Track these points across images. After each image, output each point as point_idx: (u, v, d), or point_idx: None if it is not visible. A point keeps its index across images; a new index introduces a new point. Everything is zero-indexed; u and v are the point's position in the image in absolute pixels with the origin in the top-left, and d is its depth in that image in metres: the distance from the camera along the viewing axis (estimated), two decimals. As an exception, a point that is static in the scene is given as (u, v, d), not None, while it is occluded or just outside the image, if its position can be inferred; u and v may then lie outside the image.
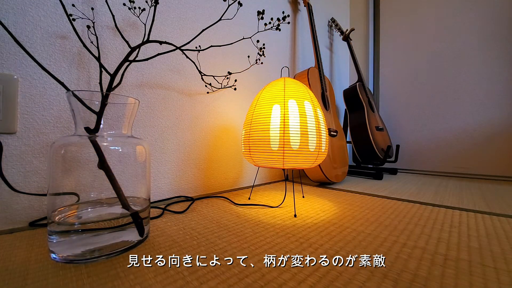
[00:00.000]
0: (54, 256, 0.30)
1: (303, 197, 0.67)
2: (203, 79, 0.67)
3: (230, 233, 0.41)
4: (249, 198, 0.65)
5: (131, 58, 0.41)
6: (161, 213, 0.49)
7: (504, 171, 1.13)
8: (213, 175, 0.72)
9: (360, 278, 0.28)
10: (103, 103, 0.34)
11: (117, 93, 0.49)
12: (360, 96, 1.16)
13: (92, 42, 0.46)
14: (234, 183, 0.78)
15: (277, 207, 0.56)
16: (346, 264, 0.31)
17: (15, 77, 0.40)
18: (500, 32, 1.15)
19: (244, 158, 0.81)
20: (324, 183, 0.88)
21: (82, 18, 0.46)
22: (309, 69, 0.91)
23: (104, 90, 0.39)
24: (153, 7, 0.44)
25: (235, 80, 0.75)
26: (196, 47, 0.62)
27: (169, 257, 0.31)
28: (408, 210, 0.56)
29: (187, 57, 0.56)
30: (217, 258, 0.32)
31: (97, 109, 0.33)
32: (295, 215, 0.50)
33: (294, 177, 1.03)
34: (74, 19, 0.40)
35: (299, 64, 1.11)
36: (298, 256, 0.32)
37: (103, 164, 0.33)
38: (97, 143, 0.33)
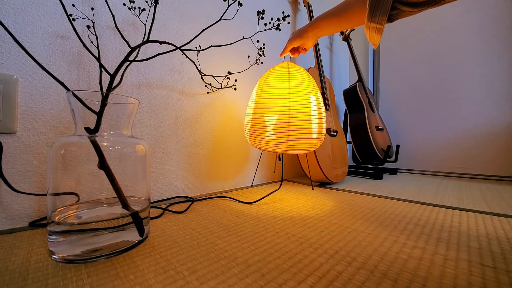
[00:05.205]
0: (54, 256, 0.30)
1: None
2: (203, 79, 0.67)
3: (230, 233, 0.41)
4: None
5: (131, 58, 0.41)
6: (161, 213, 0.49)
7: (504, 171, 1.13)
8: (213, 175, 0.72)
9: (360, 278, 0.28)
10: (103, 103, 0.34)
11: (117, 93, 0.49)
12: (360, 96, 1.16)
13: (92, 42, 0.46)
14: (234, 183, 0.78)
15: (276, 190, 0.56)
16: (346, 264, 0.31)
17: (15, 77, 0.40)
18: (500, 32, 1.15)
19: (243, 157, 0.81)
20: (324, 183, 0.88)
21: (82, 18, 0.46)
22: (309, 69, 0.91)
23: (104, 90, 0.39)
24: (153, 7, 0.44)
25: (235, 80, 0.75)
26: (196, 47, 0.62)
27: (169, 257, 0.31)
28: (408, 210, 0.56)
29: (187, 57, 0.56)
30: (217, 258, 0.32)
31: (97, 109, 0.33)
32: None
33: (294, 177, 1.03)
34: (74, 19, 0.40)
35: (299, 64, 1.11)
36: (298, 256, 0.32)
37: (103, 164, 0.33)
38: (97, 143, 0.33)
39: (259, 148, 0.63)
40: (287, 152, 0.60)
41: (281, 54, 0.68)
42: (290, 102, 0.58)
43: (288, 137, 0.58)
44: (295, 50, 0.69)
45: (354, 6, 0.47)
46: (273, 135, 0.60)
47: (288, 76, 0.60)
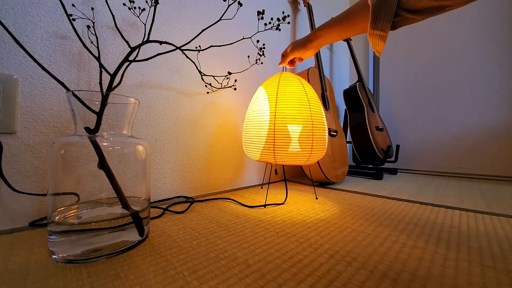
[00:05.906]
0: (54, 256, 0.30)
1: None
2: (203, 79, 0.67)
3: (230, 233, 0.41)
4: (265, 205, 0.65)
5: (131, 58, 0.41)
6: (161, 213, 0.49)
7: (504, 171, 1.13)
8: (213, 175, 0.72)
9: (360, 278, 0.28)
10: (103, 103, 0.34)
11: (117, 93, 0.49)
12: (360, 96, 1.16)
13: (92, 42, 0.46)
14: (234, 183, 0.78)
15: (281, 204, 0.56)
16: (346, 264, 0.31)
17: (15, 77, 0.40)
18: (499, 32, 1.15)
19: (243, 157, 0.81)
20: (324, 183, 0.87)
21: (82, 18, 0.46)
22: (309, 69, 0.91)
23: (104, 90, 0.39)
24: (153, 7, 0.44)
25: (235, 80, 0.75)
26: (196, 47, 0.62)
27: (169, 257, 0.31)
28: (408, 210, 0.56)
29: (187, 57, 0.56)
30: (217, 258, 0.32)
31: (97, 109, 0.34)
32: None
33: (294, 177, 1.03)
34: (74, 19, 0.40)
35: (299, 64, 1.11)
36: (298, 256, 0.32)
37: (103, 164, 0.33)
38: (97, 143, 0.33)
39: (274, 163, 0.58)
40: (306, 163, 0.58)
41: (280, 64, 0.67)
42: (311, 111, 0.56)
43: (312, 148, 0.56)
44: (291, 61, 0.67)
45: (357, 14, 0.46)
46: (298, 147, 0.55)
47: (302, 85, 0.58)
